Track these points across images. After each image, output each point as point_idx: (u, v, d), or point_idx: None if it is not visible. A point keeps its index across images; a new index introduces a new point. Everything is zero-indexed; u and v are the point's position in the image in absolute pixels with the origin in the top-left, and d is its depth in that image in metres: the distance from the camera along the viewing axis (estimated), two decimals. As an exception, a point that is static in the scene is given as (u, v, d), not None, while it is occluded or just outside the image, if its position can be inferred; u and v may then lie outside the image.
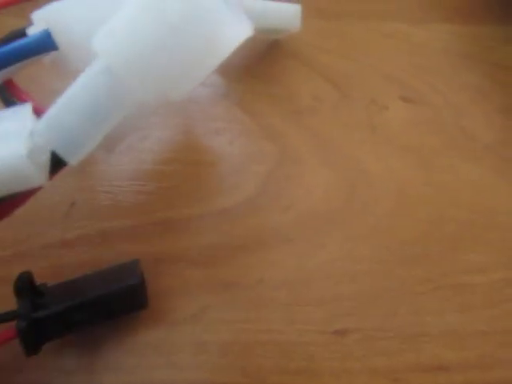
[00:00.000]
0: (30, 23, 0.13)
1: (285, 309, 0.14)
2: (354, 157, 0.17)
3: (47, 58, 0.13)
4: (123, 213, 0.16)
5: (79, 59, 0.12)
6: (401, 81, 0.18)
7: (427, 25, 0.19)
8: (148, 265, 0.15)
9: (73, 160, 0.10)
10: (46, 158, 0.10)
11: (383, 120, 0.17)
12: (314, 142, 0.17)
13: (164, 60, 0.09)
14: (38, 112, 0.11)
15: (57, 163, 0.10)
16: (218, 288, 0.15)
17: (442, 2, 0.19)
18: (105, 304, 0.13)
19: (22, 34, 0.12)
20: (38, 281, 0.13)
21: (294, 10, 0.17)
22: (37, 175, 0.10)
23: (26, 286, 0.12)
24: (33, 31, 0.12)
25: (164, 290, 0.15)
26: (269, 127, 0.17)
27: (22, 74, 0.13)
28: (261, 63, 0.18)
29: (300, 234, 0.15)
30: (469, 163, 0.17)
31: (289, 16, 0.17)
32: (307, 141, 0.17)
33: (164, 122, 0.17)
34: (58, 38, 0.12)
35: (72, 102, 0.10)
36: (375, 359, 0.13)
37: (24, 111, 0.11)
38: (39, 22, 0.12)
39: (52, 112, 0.10)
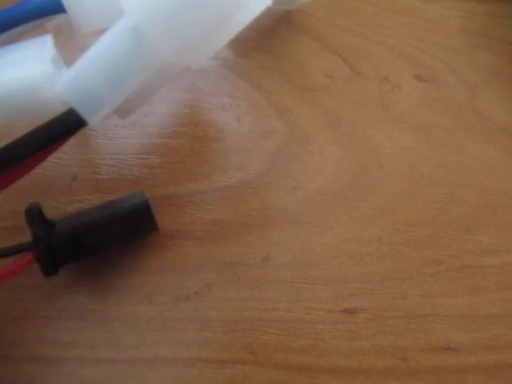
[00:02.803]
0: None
1: (291, 287, 0.14)
2: (364, 135, 0.16)
3: (52, 23, 0.13)
4: (126, 187, 0.15)
5: (88, 24, 0.12)
6: (414, 59, 0.17)
7: (442, 1, 0.18)
8: (151, 240, 0.15)
9: (92, 120, 0.10)
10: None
11: (395, 98, 0.17)
12: (324, 119, 0.16)
13: (189, 21, 0.09)
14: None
15: (76, 124, 0.10)
16: (221, 266, 0.14)
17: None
18: (113, 225, 0.13)
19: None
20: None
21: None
22: (54, 100, 0.09)
23: (36, 216, 0.12)
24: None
25: (167, 266, 0.14)
26: (278, 104, 0.17)
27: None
28: (271, 38, 0.18)
29: (307, 214, 0.15)
30: (482, 144, 0.16)
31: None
32: (317, 118, 0.16)
33: (170, 96, 0.17)
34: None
35: (96, 60, 0.09)
36: (383, 338, 0.13)
37: (45, 40, 0.10)
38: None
39: (75, 70, 0.09)
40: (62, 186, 0.15)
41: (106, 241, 0.13)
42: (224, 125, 0.17)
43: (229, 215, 0.15)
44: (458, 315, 0.13)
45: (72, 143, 0.15)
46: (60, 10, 0.12)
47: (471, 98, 0.17)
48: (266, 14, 0.14)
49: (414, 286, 0.14)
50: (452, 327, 0.13)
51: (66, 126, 0.10)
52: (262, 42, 0.18)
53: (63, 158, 0.15)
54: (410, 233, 0.15)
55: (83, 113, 0.10)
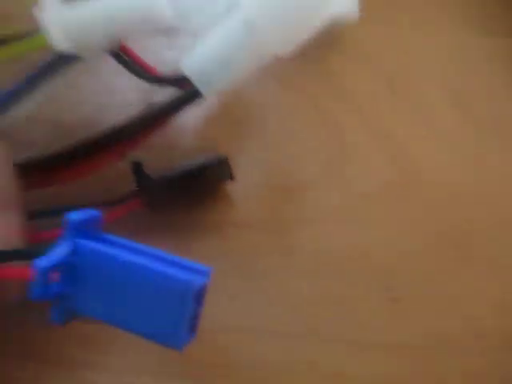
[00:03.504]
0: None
1: (346, 274, 0.16)
2: (406, 148, 0.18)
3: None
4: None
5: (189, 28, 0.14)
6: (450, 87, 0.20)
7: (480, 38, 0.20)
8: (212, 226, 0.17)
9: (205, 93, 0.13)
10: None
11: (435, 119, 0.19)
12: (369, 130, 0.19)
13: (292, 16, 0.11)
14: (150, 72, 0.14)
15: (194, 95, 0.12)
16: (279, 252, 0.17)
17: (499, 15, 0.21)
18: (201, 172, 0.16)
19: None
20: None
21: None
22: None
23: (140, 168, 0.15)
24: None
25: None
26: (330, 117, 0.19)
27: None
28: (319, 53, 0.20)
29: (356, 214, 0.17)
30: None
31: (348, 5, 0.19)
32: (364, 131, 0.19)
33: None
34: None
35: (213, 46, 0.12)
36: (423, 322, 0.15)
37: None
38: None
39: (196, 54, 0.12)
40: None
41: (193, 187, 0.16)
42: (288, 131, 0.19)
43: (287, 210, 0.17)
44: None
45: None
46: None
47: (499, 125, 0.19)
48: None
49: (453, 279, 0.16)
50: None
51: (187, 96, 0.12)
52: (309, 54, 0.20)
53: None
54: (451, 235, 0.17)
55: (200, 87, 0.12)
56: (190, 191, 0.16)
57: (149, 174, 0.16)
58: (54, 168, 0.13)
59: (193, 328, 0.10)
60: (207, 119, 0.18)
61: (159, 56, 0.18)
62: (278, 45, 0.12)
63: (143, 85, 0.18)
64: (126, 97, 0.19)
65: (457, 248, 0.17)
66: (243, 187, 0.17)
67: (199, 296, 0.10)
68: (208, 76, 0.12)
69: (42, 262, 0.09)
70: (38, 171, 0.13)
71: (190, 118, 0.18)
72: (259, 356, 0.15)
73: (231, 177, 0.16)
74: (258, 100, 0.19)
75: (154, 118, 0.13)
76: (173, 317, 0.09)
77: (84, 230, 0.10)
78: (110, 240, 0.10)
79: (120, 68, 0.15)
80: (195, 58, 0.12)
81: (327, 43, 0.20)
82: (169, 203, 0.17)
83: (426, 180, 0.18)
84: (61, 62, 0.13)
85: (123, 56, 0.15)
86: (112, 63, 0.15)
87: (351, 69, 0.20)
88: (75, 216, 0.10)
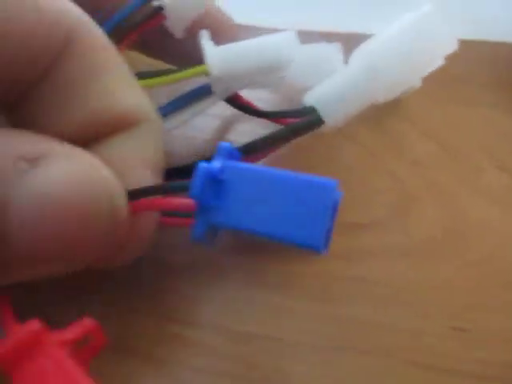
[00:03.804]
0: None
1: (408, 306, 0.18)
2: (457, 201, 0.21)
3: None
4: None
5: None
6: (496, 155, 0.23)
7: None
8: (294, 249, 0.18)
9: (328, 122, 0.15)
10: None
11: (482, 181, 0.22)
12: (427, 186, 0.21)
13: (402, 64, 0.14)
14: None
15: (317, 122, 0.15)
16: (354, 279, 0.18)
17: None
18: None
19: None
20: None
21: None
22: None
23: None
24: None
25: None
26: (391, 170, 0.22)
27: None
28: (379, 117, 0.23)
29: (420, 254, 0.19)
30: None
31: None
32: (422, 185, 0.21)
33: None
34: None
35: (337, 85, 0.15)
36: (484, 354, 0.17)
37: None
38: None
39: (323, 90, 0.15)
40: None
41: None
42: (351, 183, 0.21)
43: (356, 244, 0.19)
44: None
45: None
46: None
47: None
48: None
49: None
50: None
51: (310, 122, 0.15)
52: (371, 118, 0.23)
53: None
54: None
55: (323, 115, 0.15)
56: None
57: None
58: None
59: (328, 240, 0.11)
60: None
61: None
62: (385, 92, 0.15)
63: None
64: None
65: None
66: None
67: (336, 206, 0.11)
68: (330, 107, 0.15)
69: (204, 166, 0.11)
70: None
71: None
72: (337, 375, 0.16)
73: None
74: (330, 151, 0.22)
75: (278, 140, 0.15)
76: (316, 221, 0.10)
77: (229, 157, 0.12)
78: (253, 165, 0.12)
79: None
80: (321, 91, 0.15)
81: (392, 107, 0.23)
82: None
83: (478, 229, 0.20)
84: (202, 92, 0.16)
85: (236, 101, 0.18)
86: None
87: (409, 131, 0.23)
88: (226, 144, 0.12)
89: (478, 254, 0.19)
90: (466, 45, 0.29)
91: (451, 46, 0.14)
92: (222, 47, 0.16)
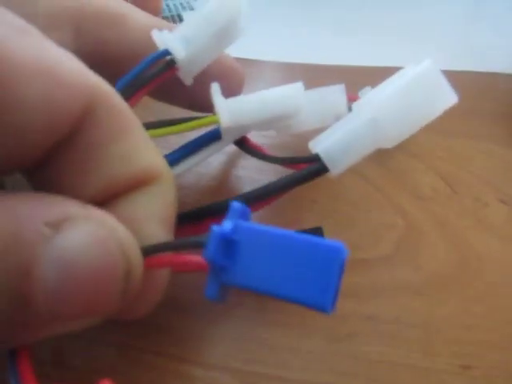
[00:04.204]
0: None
1: (416, 343, 0.18)
2: (463, 235, 0.21)
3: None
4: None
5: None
6: (497, 187, 0.23)
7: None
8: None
9: (333, 172, 0.16)
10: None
11: (485, 214, 0.22)
12: (432, 220, 0.22)
13: (403, 117, 0.15)
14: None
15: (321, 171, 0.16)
16: (360, 317, 0.19)
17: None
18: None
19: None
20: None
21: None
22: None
23: None
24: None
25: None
26: (397, 204, 0.22)
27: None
28: (384, 152, 0.23)
29: (426, 290, 0.20)
30: None
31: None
32: (428, 219, 0.22)
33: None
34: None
35: (342, 137, 0.16)
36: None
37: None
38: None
39: (329, 141, 0.16)
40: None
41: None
42: (358, 219, 0.22)
43: (363, 281, 0.20)
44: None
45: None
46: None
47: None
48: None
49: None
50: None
51: (315, 171, 0.16)
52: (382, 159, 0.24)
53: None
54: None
55: (330, 166, 0.16)
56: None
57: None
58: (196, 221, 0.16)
59: (335, 299, 0.11)
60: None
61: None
62: (388, 140, 0.15)
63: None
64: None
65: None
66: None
67: (343, 267, 0.11)
68: (335, 157, 0.15)
69: (219, 229, 0.11)
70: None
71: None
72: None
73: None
74: (337, 187, 0.23)
75: (281, 188, 0.16)
76: (325, 283, 0.11)
77: (241, 216, 0.12)
78: (264, 226, 0.12)
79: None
80: (326, 141, 0.16)
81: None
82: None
83: (482, 263, 0.21)
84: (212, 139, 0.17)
85: (244, 144, 0.19)
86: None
87: (414, 166, 0.24)
88: (238, 204, 0.12)
89: (483, 288, 0.20)
90: (468, 76, 0.30)
91: (451, 99, 0.14)
92: (233, 100, 0.17)
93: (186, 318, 0.18)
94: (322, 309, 0.11)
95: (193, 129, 0.17)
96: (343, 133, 0.15)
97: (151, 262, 0.12)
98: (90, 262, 0.11)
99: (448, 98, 0.14)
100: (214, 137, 0.17)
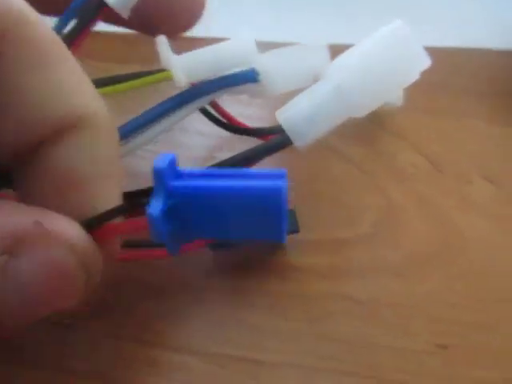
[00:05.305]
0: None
1: (392, 323, 0.17)
2: (447, 214, 0.20)
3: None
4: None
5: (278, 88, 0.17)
6: (482, 165, 0.22)
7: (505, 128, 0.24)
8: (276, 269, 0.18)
9: (297, 143, 0.15)
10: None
11: (469, 192, 0.21)
12: (415, 199, 0.21)
13: (371, 83, 0.14)
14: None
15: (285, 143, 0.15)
16: (338, 298, 0.18)
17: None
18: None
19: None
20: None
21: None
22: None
23: None
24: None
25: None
26: (379, 184, 0.22)
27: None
28: (368, 131, 0.23)
29: (406, 269, 0.19)
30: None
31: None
32: (410, 198, 0.21)
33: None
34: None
35: (305, 105, 0.15)
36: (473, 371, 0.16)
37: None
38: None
39: (291, 109, 0.15)
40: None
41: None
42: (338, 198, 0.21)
43: (344, 260, 0.19)
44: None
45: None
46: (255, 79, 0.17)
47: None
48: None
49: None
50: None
51: (280, 143, 0.15)
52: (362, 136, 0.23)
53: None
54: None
55: (293, 138, 0.15)
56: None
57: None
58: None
59: (286, 226, 0.12)
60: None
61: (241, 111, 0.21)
62: (357, 109, 0.15)
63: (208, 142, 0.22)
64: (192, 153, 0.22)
65: (498, 302, 0.18)
66: (305, 236, 0.19)
67: (285, 195, 0.11)
68: (299, 128, 0.14)
69: (154, 209, 0.11)
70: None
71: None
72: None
73: (297, 229, 0.18)
74: (319, 168, 0.22)
75: (248, 159, 0.15)
76: (273, 218, 0.11)
77: (169, 171, 0.12)
78: (192, 173, 0.12)
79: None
80: (289, 113, 0.15)
81: (377, 122, 0.23)
82: (232, 245, 0.18)
83: (465, 242, 0.20)
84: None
85: (210, 112, 0.18)
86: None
87: (397, 145, 0.23)
88: (161, 164, 0.11)
89: (465, 267, 0.19)
90: (449, 53, 0.29)
91: (425, 62, 0.14)
92: (184, 56, 0.16)
93: (158, 302, 0.18)
94: (278, 241, 0.11)
95: (142, 85, 0.16)
96: (307, 101, 0.14)
97: (99, 234, 0.12)
98: (50, 281, 0.11)
99: (421, 60, 0.14)
100: (173, 104, 0.16)
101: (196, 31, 0.22)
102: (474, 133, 0.23)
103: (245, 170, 0.12)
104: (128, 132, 0.15)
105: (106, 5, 0.15)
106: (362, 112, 0.15)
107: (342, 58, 0.15)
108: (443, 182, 0.22)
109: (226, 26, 0.24)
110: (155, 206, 0.11)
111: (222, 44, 0.17)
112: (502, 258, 0.19)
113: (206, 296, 0.18)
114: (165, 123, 0.16)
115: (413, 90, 0.22)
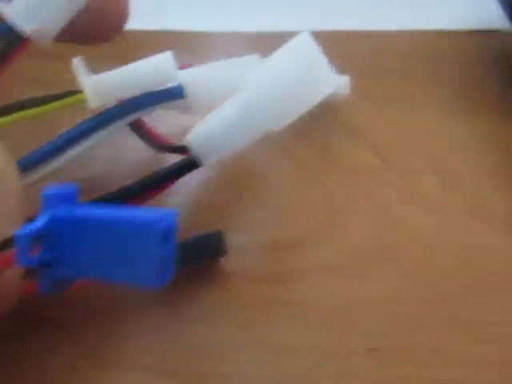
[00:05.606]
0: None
1: (329, 326, 0.17)
2: (394, 211, 0.20)
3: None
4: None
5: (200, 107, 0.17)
6: (433, 158, 0.22)
7: (455, 116, 0.23)
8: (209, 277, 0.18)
9: (205, 163, 0.15)
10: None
11: (416, 185, 0.21)
12: (359, 195, 0.21)
13: (283, 100, 0.14)
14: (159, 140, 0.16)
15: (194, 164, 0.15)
16: (274, 302, 0.18)
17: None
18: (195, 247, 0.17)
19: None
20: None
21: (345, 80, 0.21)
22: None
23: None
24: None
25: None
26: (322, 180, 0.21)
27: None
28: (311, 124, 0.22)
29: (347, 269, 0.19)
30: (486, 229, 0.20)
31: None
32: (354, 194, 0.21)
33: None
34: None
35: (215, 122, 0.14)
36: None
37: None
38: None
39: (201, 128, 0.14)
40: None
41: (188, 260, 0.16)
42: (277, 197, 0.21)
43: (279, 263, 0.19)
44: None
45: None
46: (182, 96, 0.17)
47: (476, 192, 0.21)
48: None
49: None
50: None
51: (186, 163, 0.15)
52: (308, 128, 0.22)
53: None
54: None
55: (199, 156, 0.15)
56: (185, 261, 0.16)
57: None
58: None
59: (167, 268, 0.11)
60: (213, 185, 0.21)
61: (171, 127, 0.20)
62: (271, 122, 0.14)
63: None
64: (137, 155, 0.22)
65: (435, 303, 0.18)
66: (244, 241, 0.19)
67: (167, 235, 0.10)
68: (207, 148, 0.14)
69: (22, 231, 0.10)
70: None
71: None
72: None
73: (224, 252, 0.18)
74: (259, 166, 0.22)
75: (157, 182, 0.15)
76: (147, 258, 0.10)
77: (61, 202, 0.11)
78: (84, 207, 0.11)
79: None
80: (197, 131, 0.14)
81: (321, 116, 0.22)
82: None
83: (411, 240, 0.20)
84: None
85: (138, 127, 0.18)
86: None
87: (341, 138, 0.22)
88: (51, 191, 0.11)
89: (405, 266, 0.19)
90: (398, 37, 0.27)
91: (332, 76, 0.13)
92: (100, 76, 0.16)
93: (95, 318, 0.17)
94: (150, 288, 0.11)
95: (54, 110, 0.15)
96: (215, 119, 0.14)
97: None
98: None
99: (328, 73, 0.13)
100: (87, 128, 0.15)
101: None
102: (425, 124, 0.23)
103: (138, 208, 0.12)
104: (40, 158, 0.15)
105: (22, 39, 0.14)
106: (277, 124, 0.14)
107: (257, 71, 0.14)
108: (390, 175, 0.21)
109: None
110: (26, 228, 0.11)
111: (139, 62, 0.16)
112: (445, 255, 0.19)
113: (145, 311, 0.18)
114: (85, 143, 0.15)
115: (362, 79, 0.22)
